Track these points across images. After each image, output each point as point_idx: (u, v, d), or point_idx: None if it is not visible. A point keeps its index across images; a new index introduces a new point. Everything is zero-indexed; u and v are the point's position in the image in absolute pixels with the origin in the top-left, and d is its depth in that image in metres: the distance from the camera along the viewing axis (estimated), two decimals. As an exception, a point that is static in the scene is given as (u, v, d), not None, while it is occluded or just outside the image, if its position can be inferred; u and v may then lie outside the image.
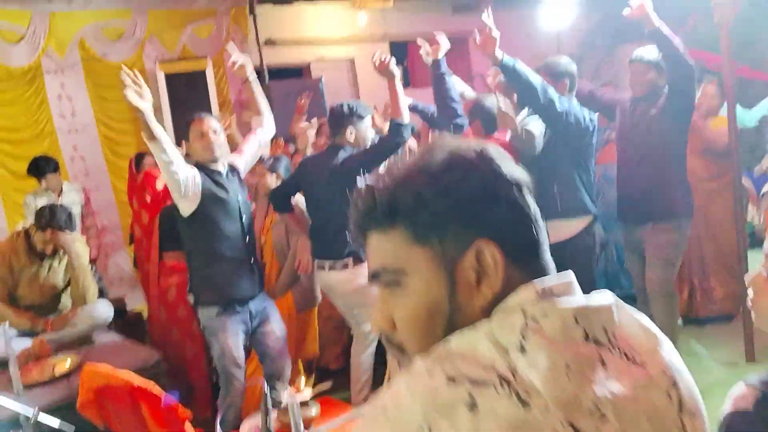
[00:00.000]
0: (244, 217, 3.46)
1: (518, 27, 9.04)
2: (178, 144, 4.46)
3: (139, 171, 5.57)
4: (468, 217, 0.82)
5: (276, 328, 3.60)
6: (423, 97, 9.05)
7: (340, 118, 3.76)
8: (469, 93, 4.40)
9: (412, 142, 4.55)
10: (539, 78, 3.43)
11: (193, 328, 3.98)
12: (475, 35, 3.57)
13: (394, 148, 3.67)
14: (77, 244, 4.04)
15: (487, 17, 3.51)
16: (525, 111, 3.77)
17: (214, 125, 3.40)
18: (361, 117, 3.75)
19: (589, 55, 9.38)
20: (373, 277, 0.89)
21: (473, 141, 0.90)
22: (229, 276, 3.39)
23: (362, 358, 3.96)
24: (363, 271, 3.72)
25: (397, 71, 3.71)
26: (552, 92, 3.42)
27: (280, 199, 4.01)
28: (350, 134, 3.74)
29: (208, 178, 3.36)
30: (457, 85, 4.23)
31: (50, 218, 3.89)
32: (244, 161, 3.59)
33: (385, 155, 3.69)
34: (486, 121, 3.81)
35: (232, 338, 3.40)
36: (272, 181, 4.19)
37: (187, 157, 3.62)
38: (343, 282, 3.78)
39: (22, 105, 6.39)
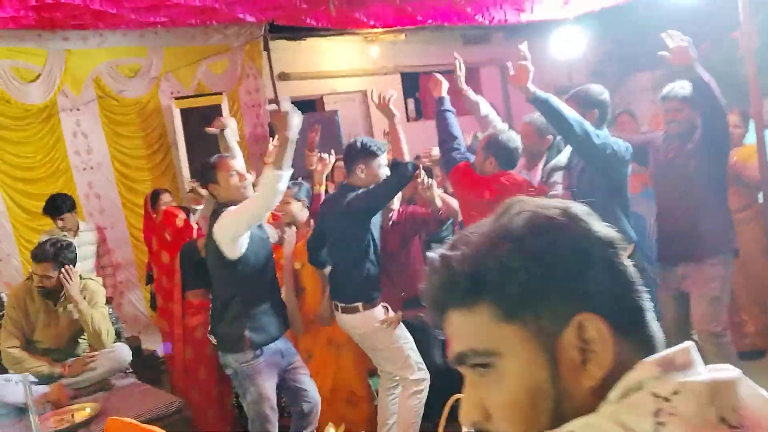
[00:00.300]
0: (271, 254, 3.50)
1: (529, 57, 9.04)
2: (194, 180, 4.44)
3: (155, 208, 5.53)
4: (564, 287, 0.74)
5: (302, 363, 3.60)
6: (433, 129, 9.07)
7: (352, 155, 3.71)
8: (486, 108, 4.30)
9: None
10: (574, 112, 3.34)
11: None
12: (509, 67, 3.51)
13: (397, 188, 3.64)
14: (88, 282, 3.96)
15: (525, 47, 3.46)
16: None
17: (242, 167, 3.44)
18: (374, 154, 3.66)
19: (600, 83, 9.36)
20: (459, 361, 0.80)
21: (554, 200, 0.81)
22: (268, 316, 3.38)
23: (387, 400, 3.85)
24: (374, 315, 3.67)
25: (396, 112, 3.70)
26: (588, 126, 3.34)
27: (315, 254, 3.88)
28: (360, 172, 3.66)
29: None
30: (482, 104, 4.20)
31: (41, 252, 3.79)
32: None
33: (388, 195, 3.66)
34: (501, 157, 3.71)
35: (269, 381, 3.36)
36: (297, 208, 4.13)
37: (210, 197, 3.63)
38: (355, 326, 3.72)
39: (37, 143, 6.37)
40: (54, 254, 3.77)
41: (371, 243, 3.66)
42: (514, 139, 3.70)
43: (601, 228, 0.78)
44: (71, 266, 3.82)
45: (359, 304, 3.65)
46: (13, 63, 6.21)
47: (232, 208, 3.26)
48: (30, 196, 6.20)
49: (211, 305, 3.68)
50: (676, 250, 3.66)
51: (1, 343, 3.92)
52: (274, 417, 3.35)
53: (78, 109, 6.56)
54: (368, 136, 4.06)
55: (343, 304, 3.67)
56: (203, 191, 4.23)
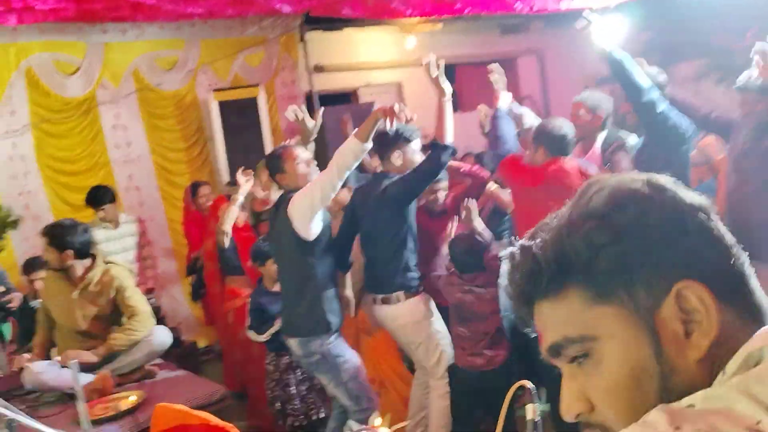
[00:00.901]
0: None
1: (569, 46, 8.89)
2: (234, 172, 4.44)
3: (195, 200, 5.55)
4: (657, 259, 0.71)
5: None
6: (471, 121, 8.97)
7: (386, 142, 3.65)
8: (531, 120, 4.24)
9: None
10: (647, 79, 3.38)
11: None
12: (579, 22, 3.64)
13: (435, 173, 3.55)
14: (111, 266, 3.96)
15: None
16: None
17: (308, 157, 3.53)
18: (408, 140, 3.63)
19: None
20: (555, 353, 0.76)
21: (634, 173, 0.78)
22: (337, 299, 3.49)
23: (419, 393, 3.80)
24: (415, 304, 3.61)
25: (448, 89, 3.57)
26: (656, 95, 3.33)
27: (343, 253, 3.75)
28: (397, 158, 3.63)
29: None
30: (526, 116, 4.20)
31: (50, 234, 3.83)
32: None
33: (425, 180, 3.58)
34: (551, 146, 3.61)
35: (354, 353, 3.49)
36: (346, 195, 4.09)
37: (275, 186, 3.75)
38: (395, 317, 3.67)
39: (77, 136, 6.42)
40: (50, 235, 3.80)
41: (409, 231, 3.61)
42: (563, 126, 3.60)
43: (689, 194, 0.75)
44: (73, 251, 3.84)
45: (401, 293, 3.61)
46: (53, 56, 6.26)
47: (302, 189, 3.32)
48: (71, 188, 6.26)
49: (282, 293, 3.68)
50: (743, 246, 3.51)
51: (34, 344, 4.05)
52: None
53: (117, 102, 6.60)
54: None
55: (382, 296, 3.62)
56: (245, 179, 4.25)
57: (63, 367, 3.62)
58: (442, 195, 4.03)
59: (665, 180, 0.76)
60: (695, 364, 0.70)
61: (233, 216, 4.40)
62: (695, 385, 0.69)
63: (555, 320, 0.76)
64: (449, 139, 3.52)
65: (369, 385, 3.50)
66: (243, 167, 4.46)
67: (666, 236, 0.71)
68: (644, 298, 0.70)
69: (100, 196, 5.26)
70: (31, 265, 4.95)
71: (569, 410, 0.76)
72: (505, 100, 4.13)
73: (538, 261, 0.75)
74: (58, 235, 3.82)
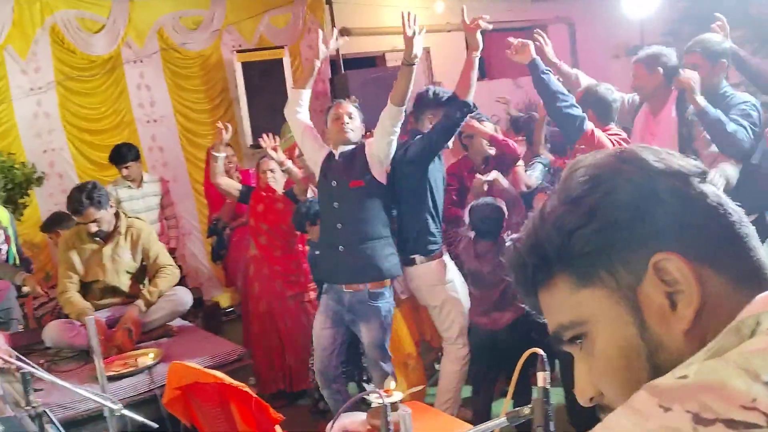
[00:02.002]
0: (336, 204, 3.53)
1: (600, 15, 8.68)
2: (260, 136, 4.40)
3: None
4: (631, 234, 0.69)
5: (366, 332, 3.59)
6: (498, 89, 8.83)
7: (422, 104, 3.71)
8: (584, 79, 3.97)
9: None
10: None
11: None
12: None
13: (451, 130, 3.54)
14: (134, 221, 4.03)
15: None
16: None
17: (350, 110, 3.55)
18: (440, 105, 3.63)
19: (673, 45, 8.95)
20: (557, 341, 0.77)
21: (611, 148, 0.77)
22: (325, 256, 3.63)
23: (449, 368, 3.76)
24: (429, 269, 3.65)
25: (480, 44, 3.53)
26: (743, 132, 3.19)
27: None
28: (429, 122, 3.65)
29: (327, 158, 3.58)
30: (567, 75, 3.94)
31: (76, 204, 3.80)
32: (373, 141, 3.59)
33: (443, 138, 3.56)
34: (599, 110, 3.52)
35: (320, 318, 3.62)
36: None
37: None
38: (411, 278, 3.73)
39: (102, 94, 6.41)
40: (90, 200, 3.77)
41: (429, 194, 3.60)
42: (612, 90, 3.56)
43: (668, 161, 0.72)
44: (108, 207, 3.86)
45: (416, 257, 3.64)
46: (78, 13, 6.23)
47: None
48: (95, 147, 6.27)
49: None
50: None
51: (57, 293, 4.00)
52: None
53: (141, 61, 6.58)
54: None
55: (403, 257, 3.63)
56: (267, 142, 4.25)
57: (81, 324, 3.65)
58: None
59: (636, 149, 0.73)
60: (683, 336, 0.68)
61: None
62: (684, 359, 0.66)
63: (551, 309, 0.76)
64: (469, 96, 3.46)
65: (314, 347, 3.67)
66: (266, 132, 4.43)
67: (637, 209, 0.69)
68: (624, 276, 0.69)
69: (123, 154, 5.26)
70: (50, 224, 4.93)
71: (582, 394, 0.77)
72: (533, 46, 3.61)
73: (520, 254, 0.76)
74: (100, 194, 3.82)
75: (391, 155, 3.47)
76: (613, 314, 0.71)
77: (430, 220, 3.60)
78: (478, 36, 3.48)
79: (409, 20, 3.30)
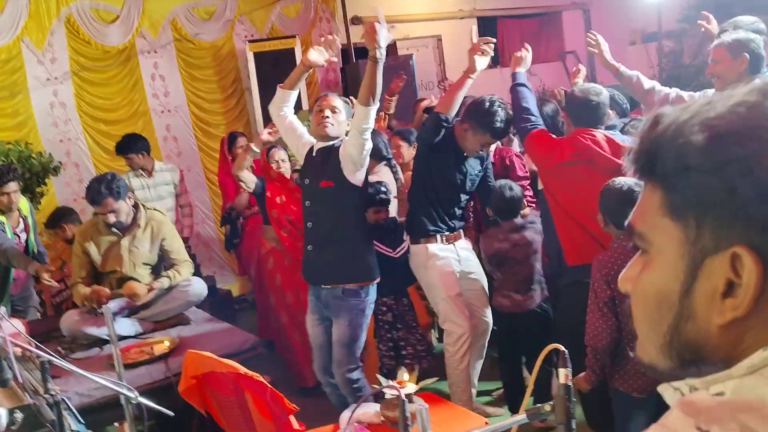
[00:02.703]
0: (307, 203, 3.52)
1: (616, 0, 8.61)
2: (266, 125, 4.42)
3: (232, 152, 5.56)
4: (741, 210, 0.63)
5: (337, 328, 3.57)
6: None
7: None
8: (646, 82, 3.71)
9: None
10: None
11: None
12: None
13: (427, 138, 3.61)
14: (153, 213, 4.06)
15: None
16: None
17: (336, 103, 3.42)
18: None
19: (690, 32, 8.85)
20: (628, 232, 0.75)
21: None
22: (304, 254, 3.57)
23: (447, 350, 3.80)
24: (414, 252, 3.75)
25: (480, 66, 3.47)
26: None
27: None
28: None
29: (307, 154, 3.49)
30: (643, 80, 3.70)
31: (94, 194, 3.85)
32: (344, 144, 3.51)
33: (421, 142, 3.76)
34: (573, 113, 3.44)
35: (309, 315, 3.60)
36: (408, 152, 4.33)
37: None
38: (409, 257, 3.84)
39: (117, 85, 6.48)
40: (108, 191, 3.81)
41: (426, 182, 3.66)
42: (597, 92, 3.35)
43: None
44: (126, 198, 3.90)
45: (407, 238, 3.81)
46: (93, 4, 6.28)
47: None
48: (111, 137, 6.32)
49: None
50: None
51: (71, 284, 4.08)
52: None
53: (155, 52, 6.62)
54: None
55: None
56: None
57: (98, 314, 3.71)
58: None
59: None
60: (716, 329, 0.66)
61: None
62: (706, 345, 0.66)
63: (640, 205, 0.73)
64: (451, 113, 3.52)
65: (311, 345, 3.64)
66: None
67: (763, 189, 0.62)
68: (707, 238, 0.65)
69: (128, 144, 5.30)
70: (54, 220, 4.93)
71: (622, 283, 0.76)
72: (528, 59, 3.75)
73: (642, 141, 0.71)
74: (123, 185, 3.89)
75: (366, 156, 3.32)
76: (672, 261, 0.68)
77: (419, 206, 3.69)
78: (479, 60, 3.43)
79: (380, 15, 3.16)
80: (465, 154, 3.64)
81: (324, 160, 3.39)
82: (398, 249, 3.90)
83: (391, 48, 8.31)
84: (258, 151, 4.26)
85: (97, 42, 6.31)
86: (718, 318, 0.65)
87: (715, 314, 0.65)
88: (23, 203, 4.62)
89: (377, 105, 3.24)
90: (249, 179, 4.41)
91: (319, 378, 3.68)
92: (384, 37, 3.06)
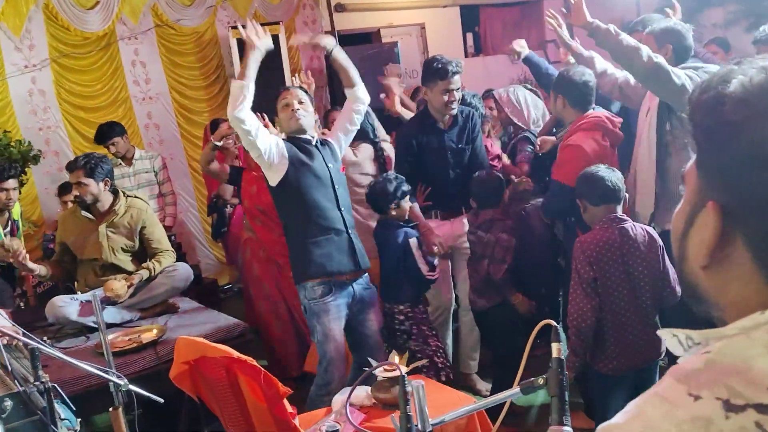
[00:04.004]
0: (337, 186, 3.32)
1: (596, -11, 8.65)
2: (254, 111, 4.36)
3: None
4: (725, 170, 0.68)
5: (374, 318, 3.44)
6: (494, 65, 8.80)
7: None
8: (600, 63, 3.81)
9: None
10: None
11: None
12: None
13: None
14: (133, 200, 4.04)
15: None
16: None
17: (300, 96, 3.33)
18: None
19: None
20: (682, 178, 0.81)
21: None
22: (323, 247, 3.24)
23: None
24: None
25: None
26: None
27: None
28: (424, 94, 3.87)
29: (293, 146, 3.29)
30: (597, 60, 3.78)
31: (72, 162, 3.95)
32: (336, 135, 3.47)
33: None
34: (571, 95, 3.46)
35: (336, 322, 3.24)
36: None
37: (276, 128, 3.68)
38: None
39: (97, 72, 6.38)
40: (84, 164, 3.85)
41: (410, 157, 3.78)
42: (589, 73, 3.44)
43: None
44: (106, 180, 3.90)
45: None
46: (71, -11, 6.18)
47: None
48: (91, 125, 6.22)
49: None
50: None
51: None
52: (340, 358, 3.26)
53: (136, 38, 6.53)
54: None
55: None
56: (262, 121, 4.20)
57: (85, 301, 3.68)
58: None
59: None
60: (700, 271, 0.72)
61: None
62: (698, 287, 0.73)
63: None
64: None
65: (336, 359, 3.24)
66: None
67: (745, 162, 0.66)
68: (704, 191, 0.72)
69: (104, 132, 5.27)
70: (64, 188, 5.05)
71: (675, 222, 0.80)
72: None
73: (693, 103, 0.74)
74: (96, 165, 3.87)
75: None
76: (684, 204, 0.76)
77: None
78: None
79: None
80: (442, 128, 3.77)
81: (330, 147, 3.40)
82: (436, 272, 3.62)
83: (376, 36, 8.29)
84: (219, 144, 4.18)
85: (77, 28, 6.20)
86: (694, 261, 0.73)
87: (697, 256, 0.72)
88: (15, 205, 4.57)
89: (360, 86, 3.43)
90: (220, 171, 4.33)
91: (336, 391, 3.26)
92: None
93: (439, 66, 3.64)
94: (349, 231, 3.32)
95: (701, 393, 0.59)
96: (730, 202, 0.68)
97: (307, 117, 3.34)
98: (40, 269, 3.88)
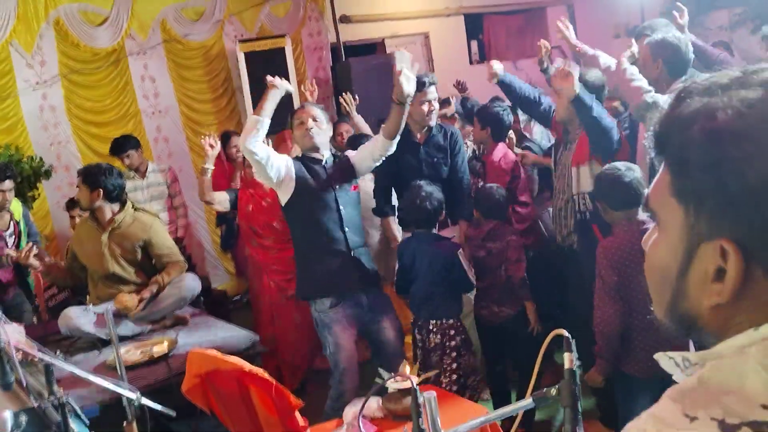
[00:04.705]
0: (343, 207, 3.35)
1: (600, -4, 8.67)
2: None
3: (227, 149, 5.56)
4: (731, 207, 0.65)
5: (390, 326, 3.45)
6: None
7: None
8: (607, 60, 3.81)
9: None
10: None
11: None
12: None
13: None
14: (139, 214, 4.08)
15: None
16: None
17: (314, 113, 3.38)
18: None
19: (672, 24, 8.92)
20: (645, 205, 0.82)
21: None
22: (325, 266, 3.30)
23: None
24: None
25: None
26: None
27: None
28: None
29: (303, 166, 3.34)
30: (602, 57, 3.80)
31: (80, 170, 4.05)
32: (358, 157, 3.47)
33: None
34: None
35: (346, 332, 3.28)
36: None
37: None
38: None
39: (107, 87, 6.46)
40: (89, 170, 3.96)
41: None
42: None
43: None
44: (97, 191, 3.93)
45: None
46: (81, 6, 6.26)
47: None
48: (101, 139, 6.30)
49: None
50: None
51: None
52: (352, 368, 3.29)
53: (145, 53, 6.61)
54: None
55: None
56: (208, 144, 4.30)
57: (98, 313, 3.72)
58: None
59: None
60: (708, 309, 0.69)
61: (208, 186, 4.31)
62: (699, 321, 0.70)
63: (656, 180, 0.75)
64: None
65: (348, 369, 3.26)
66: (207, 134, 4.45)
67: (757, 188, 0.63)
68: (702, 225, 0.67)
69: (121, 144, 5.34)
70: (72, 202, 5.12)
71: (644, 243, 0.79)
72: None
73: (661, 121, 0.73)
74: (92, 174, 3.94)
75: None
76: (674, 241, 0.71)
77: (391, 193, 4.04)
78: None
79: (404, 61, 3.29)
80: (417, 141, 3.84)
81: (340, 168, 3.41)
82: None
83: (380, 46, 8.34)
84: (212, 167, 4.24)
85: (86, 44, 6.29)
86: (706, 300, 0.69)
87: (705, 296, 0.69)
88: (16, 206, 4.60)
89: (398, 139, 3.34)
90: (219, 199, 4.36)
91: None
92: (412, 88, 3.16)
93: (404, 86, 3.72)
94: (354, 251, 3.35)
95: (697, 413, 0.59)
96: (746, 237, 0.64)
97: (321, 135, 3.40)
98: (37, 262, 3.96)
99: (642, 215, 2.80)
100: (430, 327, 3.42)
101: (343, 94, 4.63)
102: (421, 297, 3.46)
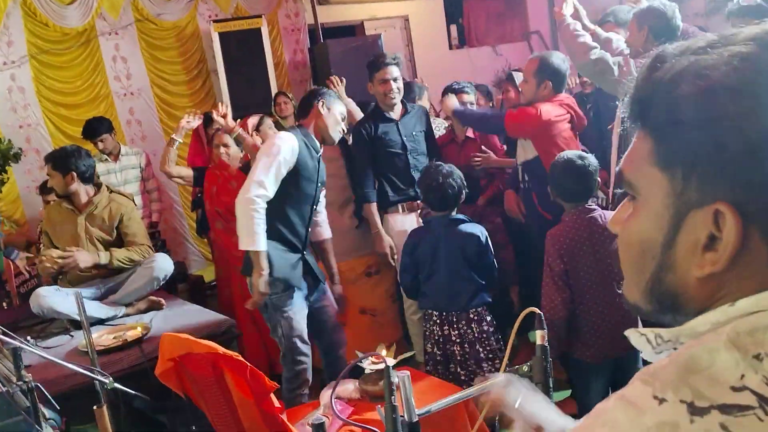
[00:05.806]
0: (318, 206, 3.42)
1: (579, -21, 8.64)
2: (238, 106, 4.34)
3: (208, 131, 5.45)
4: (729, 167, 0.62)
5: (332, 302, 3.52)
6: (478, 57, 8.77)
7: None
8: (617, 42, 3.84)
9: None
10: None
11: None
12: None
13: None
14: (115, 195, 4.01)
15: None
16: None
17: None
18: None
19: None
20: (618, 178, 0.77)
21: None
22: (282, 256, 3.22)
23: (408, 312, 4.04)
24: (384, 220, 3.95)
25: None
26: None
27: None
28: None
29: (305, 155, 3.23)
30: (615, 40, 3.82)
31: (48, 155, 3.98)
32: None
33: None
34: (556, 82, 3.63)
35: (300, 313, 3.24)
36: None
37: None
38: None
39: (77, 68, 6.30)
40: (53, 158, 3.86)
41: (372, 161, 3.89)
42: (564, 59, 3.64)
43: None
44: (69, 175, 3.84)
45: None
46: (49, -15, 6.09)
47: None
48: (72, 121, 6.18)
49: None
50: None
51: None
52: (306, 349, 3.24)
53: (116, 33, 6.46)
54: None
55: None
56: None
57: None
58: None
59: None
60: (694, 281, 0.67)
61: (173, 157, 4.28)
62: (683, 295, 0.67)
63: (630, 152, 0.72)
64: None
65: (302, 350, 3.21)
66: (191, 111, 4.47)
67: (753, 149, 0.61)
68: (692, 192, 0.65)
69: (95, 127, 5.23)
70: (46, 187, 4.99)
71: (612, 224, 0.77)
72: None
73: (637, 86, 0.70)
74: (61, 158, 3.85)
75: None
76: (657, 211, 0.68)
77: (368, 179, 3.97)
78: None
79: None
80: (394, 118, 3.89)
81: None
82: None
83: (359, 28, 8.25)
84: (180, 140, 4.20)
85: (56, 24, 6.12)
86: (697, 270, 0.66)
87: (695, 267, 0.66)
88: None
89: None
90: (182, 174, 4.32)
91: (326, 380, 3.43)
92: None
93: (374, 59, 3.88)
94: (305, 253, 3.32)
95: (666, 395, 0.57)
96: (744, 199, 0.62)
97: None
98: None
99: (589, 203, 2.82)
100: (466, 319, 3.22)
101: (331, 77, 4.55)
102: (444, 287, 3.23)
